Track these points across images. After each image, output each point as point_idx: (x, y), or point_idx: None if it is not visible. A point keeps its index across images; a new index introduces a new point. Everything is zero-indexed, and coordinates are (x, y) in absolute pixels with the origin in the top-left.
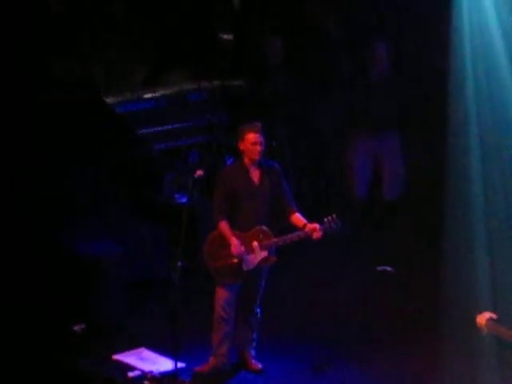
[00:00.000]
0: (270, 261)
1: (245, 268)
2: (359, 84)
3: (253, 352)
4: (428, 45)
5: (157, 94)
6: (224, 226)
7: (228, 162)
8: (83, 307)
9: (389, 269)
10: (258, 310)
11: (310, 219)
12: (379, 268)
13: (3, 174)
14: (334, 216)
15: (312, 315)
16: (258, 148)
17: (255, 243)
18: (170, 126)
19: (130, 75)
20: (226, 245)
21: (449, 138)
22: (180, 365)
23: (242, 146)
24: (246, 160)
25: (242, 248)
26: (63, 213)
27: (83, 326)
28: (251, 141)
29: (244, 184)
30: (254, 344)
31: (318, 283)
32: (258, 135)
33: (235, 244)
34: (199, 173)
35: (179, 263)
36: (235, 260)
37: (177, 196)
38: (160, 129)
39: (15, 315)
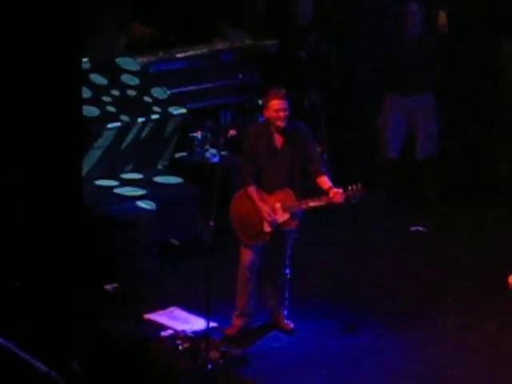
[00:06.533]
0: (291, 224)
1: (266, 229)
2: (395, 44)
3: (285, 312)
4: None
5: (189, 54)
6: (252, 191)
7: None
8: (115, 267)
9: (422, 229)
10: (287, 271)
11: (343, 181)
12: (412, 228)
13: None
14: (360, 185)
15: (345, 276)
16: (282, 114)
17: (277, 205)
18: (201, 86)
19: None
20: (249, 205)
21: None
22: (212, 324)
23: (266, 114)
24: (271, 126)
25: (273, 214)
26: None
27: (115, 285)
28: (275, 107)
29: (266, 147)
30: (286, 303)
31: (350, 244)
32: (281, 101)
33: (266, 211)
34: (232, 132)
35: (211, 223)
36: (257, 220)
37: (208, 156)
38: (192, 88)
39: (46, 276)
